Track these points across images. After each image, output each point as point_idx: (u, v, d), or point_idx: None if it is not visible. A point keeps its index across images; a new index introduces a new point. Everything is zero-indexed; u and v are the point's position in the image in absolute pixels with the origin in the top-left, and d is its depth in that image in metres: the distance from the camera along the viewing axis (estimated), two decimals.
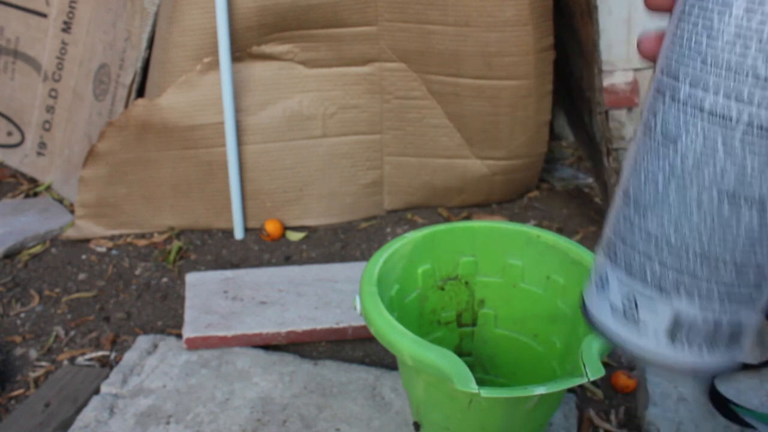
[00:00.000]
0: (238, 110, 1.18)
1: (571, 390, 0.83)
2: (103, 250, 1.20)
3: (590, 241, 1.21)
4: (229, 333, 0.90)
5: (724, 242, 0.24)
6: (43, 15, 1.41)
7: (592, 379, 0.50)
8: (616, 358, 0.91)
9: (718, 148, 0.23)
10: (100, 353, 0.94)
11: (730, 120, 0.22)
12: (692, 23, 0.24)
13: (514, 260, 0.72)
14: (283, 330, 0.92)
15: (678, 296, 0.25)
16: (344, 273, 1.07)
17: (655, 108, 0.25)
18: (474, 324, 0.76)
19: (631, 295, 0.27)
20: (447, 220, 1.31)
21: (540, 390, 0.51)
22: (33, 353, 0.94)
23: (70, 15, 1.38)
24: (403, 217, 1.32)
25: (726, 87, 0.22)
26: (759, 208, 0.23)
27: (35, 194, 1.40)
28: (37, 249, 1.20)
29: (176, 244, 1.20)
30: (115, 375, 0.85)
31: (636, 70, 1.61)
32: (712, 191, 0.23)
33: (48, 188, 1.41)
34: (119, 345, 0.96)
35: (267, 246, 1.22)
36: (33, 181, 1.44)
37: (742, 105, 0.22)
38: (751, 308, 0.25)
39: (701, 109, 0.23)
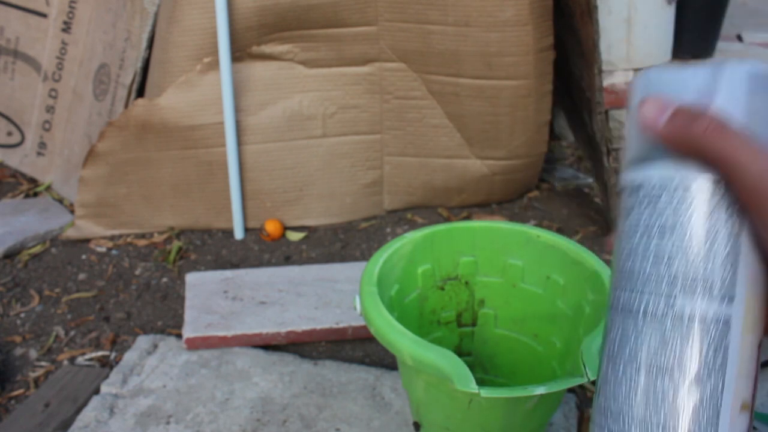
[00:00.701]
0: (238, 110, 1.18)
1: (571, 390, 0.83)
2: (103, 250, 1.20)
3: (590, 241, 1.21)
4: (229, 333, 0.90)
5: (646, 408, 0.29)
6: (43, 15, 1.41)
7: (592, 379, 0.50)
8: None
9: (630, 332, 0.30)
10: (100, 353, 0.94)
11: (634, 311, 0.30)
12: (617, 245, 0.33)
13: (514, 260, 0.72)
14: (283, 330, 0.92)
15: None
16: (344, 273, 1.07)
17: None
18: (474, 324, 0.76)
19: None
20: (447, 220, 1.31)
21: (540, 390, 0.51)
22: (33, 353, 0.94)
23: (70, 15, 1.38)
24: (403, 217, 1.32)
25: (628, 287, 0.31)
26: (669, 376, 0.29)
27: (35, 194, 1.40)
28: (37, 249, 1.20)
29: (176, 244, 1.20)
30: (115, 375, 0.85)
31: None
32: (632, 365, 0.30)
33: (48, 188, 1.41)
34: (119, 345, 0.95)
35: (267, 246, 1.22)
36: (33, 181, 1.44)
37: (641, 296, 0.30)
38: None
39: (616, 308, 0.32)
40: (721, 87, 0.30)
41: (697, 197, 0.29)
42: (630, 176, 0.32)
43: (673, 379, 0.29)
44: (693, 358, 0.29)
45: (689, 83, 0.31)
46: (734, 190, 0.29)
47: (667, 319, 0.29)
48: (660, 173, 0.31)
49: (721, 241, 0.29)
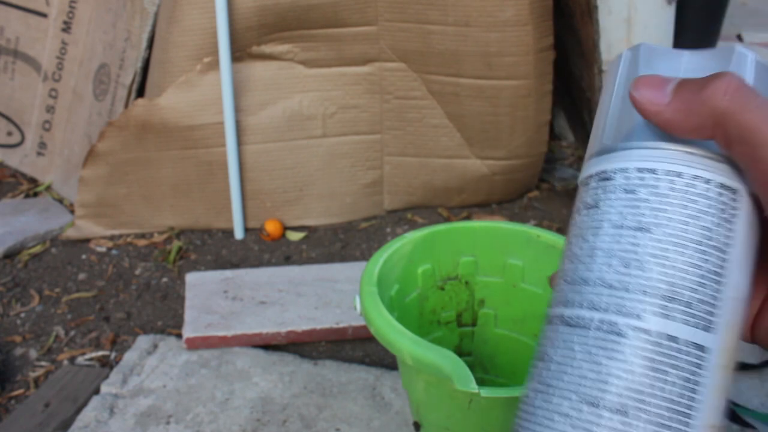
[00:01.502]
0: (238, 110, 1.18)
1: None
2: (103, 250, 1.20)
3: None
4: (229, 333, 0.90)
5: None
6: (43, 15, 1.41)
7: None
8: None
9: (575, 354, 0.23)
10: (100, 353, 0.94)
11: (583, 329, 0.23)
12: (564, 255, 0.27)
13: (514, 260, 0.72)
14: (283, 330, 0.92)
15: None
16: (344, 273, 1.07)
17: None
18: (474, 324, 0.76)
19: None
20: (447, 220, 1.31)
21: None
22: (33, 353, 0.94)
23: (70, 15, 1.38)
24: (403, 217, 1.32)
25: (577, 300, 0.24)
26: (621, 416, 0.22)
27: (35, 194, 1.40)
28: (37, 249, 1.20)
29: (176, 244, 1.20)
30: (115, 375, 0.85)
31: None
32: (571, 398, 0.23)
33: (48, 188, 1.41)
34: (119, 345, 0.95)
35: (267, 246, 1.22)
36: (33, 181, 1.44)
37: (595, 312, 0.23)
38: None
39: (557, 323, 0.24)
40: (729, 67, 0.24)
41: (688, 191, 0.23)
42: (598, 166, 0.25)
43: (627, 421, 0.22)
44: (655, 394, 0.22)
45: (686, 63, 0.25)
46: (755, 175, 0.22)
47: (627, 341, 0.22)
48: (642, 160, 0.24)
49: (710, 250, 0.23)
